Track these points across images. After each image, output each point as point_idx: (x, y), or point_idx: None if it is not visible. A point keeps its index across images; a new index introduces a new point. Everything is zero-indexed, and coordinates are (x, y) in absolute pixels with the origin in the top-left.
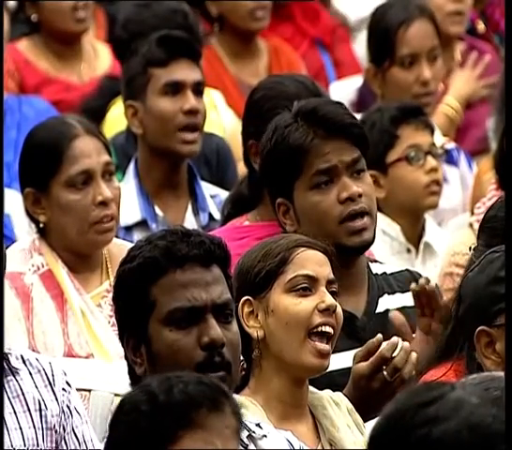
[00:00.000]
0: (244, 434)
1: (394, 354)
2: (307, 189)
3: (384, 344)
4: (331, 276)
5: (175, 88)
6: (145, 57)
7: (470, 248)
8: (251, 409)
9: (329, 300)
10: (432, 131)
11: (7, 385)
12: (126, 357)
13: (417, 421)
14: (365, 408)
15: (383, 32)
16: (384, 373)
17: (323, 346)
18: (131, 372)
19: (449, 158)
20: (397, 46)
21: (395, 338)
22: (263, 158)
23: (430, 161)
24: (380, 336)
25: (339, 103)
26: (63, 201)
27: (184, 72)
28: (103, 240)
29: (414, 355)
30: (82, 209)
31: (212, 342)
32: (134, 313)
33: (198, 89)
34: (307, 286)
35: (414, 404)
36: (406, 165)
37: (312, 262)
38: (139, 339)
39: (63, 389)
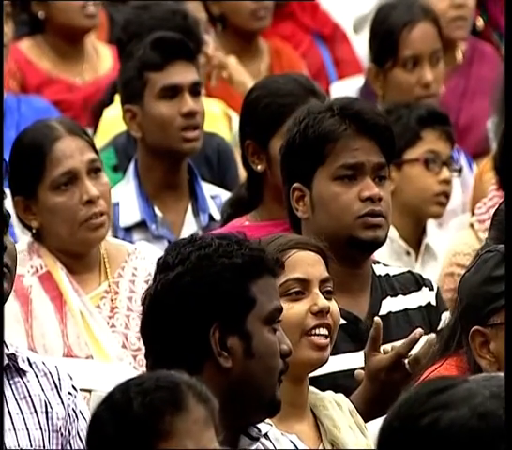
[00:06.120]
0: (254, 431)
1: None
2: (329, 178)
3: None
4: (325, 274)
5: (173, 92)
6: (141, 61)
7: (485, 240)
8: None
9: (321, 302)
10: (452, 144)
11: (14, 386)
12: (180, 346)
13: (427, 407)
14: (382, 402)
15: (386, 32)
16: (406, 366)
17: (321, 339)
18: (187, 360)
19: None
20: (400, 47)
21: (419, 330)
22: (288, 140)
23: (445, 172)
24: (377, 319)
25: (374, 106)
26: (50, 204)
27: (180, 75)
28: (95, 237)
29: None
30: (70, 210)
31: (290, 352)
32: (231, 306)
33: (195, 90)
34: (299, 289)
35: (425, 392)
36: (422, 167)
37: (304, 263)
38: (226, 331)
39: (69, 393)
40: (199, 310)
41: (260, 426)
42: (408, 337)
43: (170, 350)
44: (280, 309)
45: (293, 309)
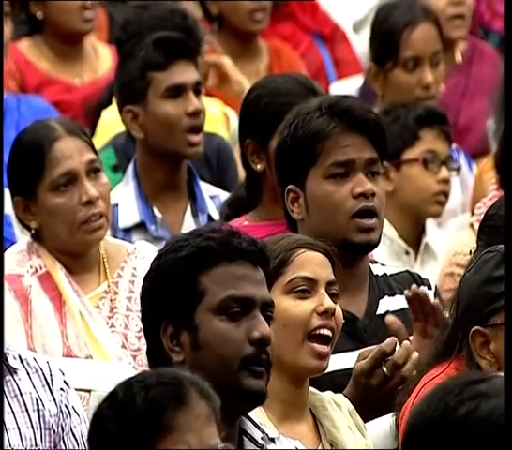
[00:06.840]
0: (258, 435)
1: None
2: (321, 178)
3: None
4: (331, 277)
5: (177, 91)
6: (143, 61)
7: (470, 252)
8: None
9: (328, 303)
10: (451, 143)
11: (5, 385)
12: (154, 345)
13: (466, 395)
14: (364, 406)
15: (387, 32)
16: (384, 369)
17: (322, 348)
18: (163, 359)
19: None
20: (401, 48)
21: (394, 337)
22: (280, 143)
23: (444, 172)
24: (394, 339)
25: (365, 103)
26: (49, 205)
27: (184, 74)
28: (93, 239)
29: (415, 354)
30: (69, 211)
31: (262, 338)
32: (178, 301)
33: (197, 88)
34: (305, 288)
35: (462, 381)
36: (421, 167)
37: (312, 263)
38: (179, 327)
39: (61, 389)
40: (153, 311)
41: (267, 431)
42: (388, 339)
43: (149, 350)
44: (237, 297)
45: (299, 307)
